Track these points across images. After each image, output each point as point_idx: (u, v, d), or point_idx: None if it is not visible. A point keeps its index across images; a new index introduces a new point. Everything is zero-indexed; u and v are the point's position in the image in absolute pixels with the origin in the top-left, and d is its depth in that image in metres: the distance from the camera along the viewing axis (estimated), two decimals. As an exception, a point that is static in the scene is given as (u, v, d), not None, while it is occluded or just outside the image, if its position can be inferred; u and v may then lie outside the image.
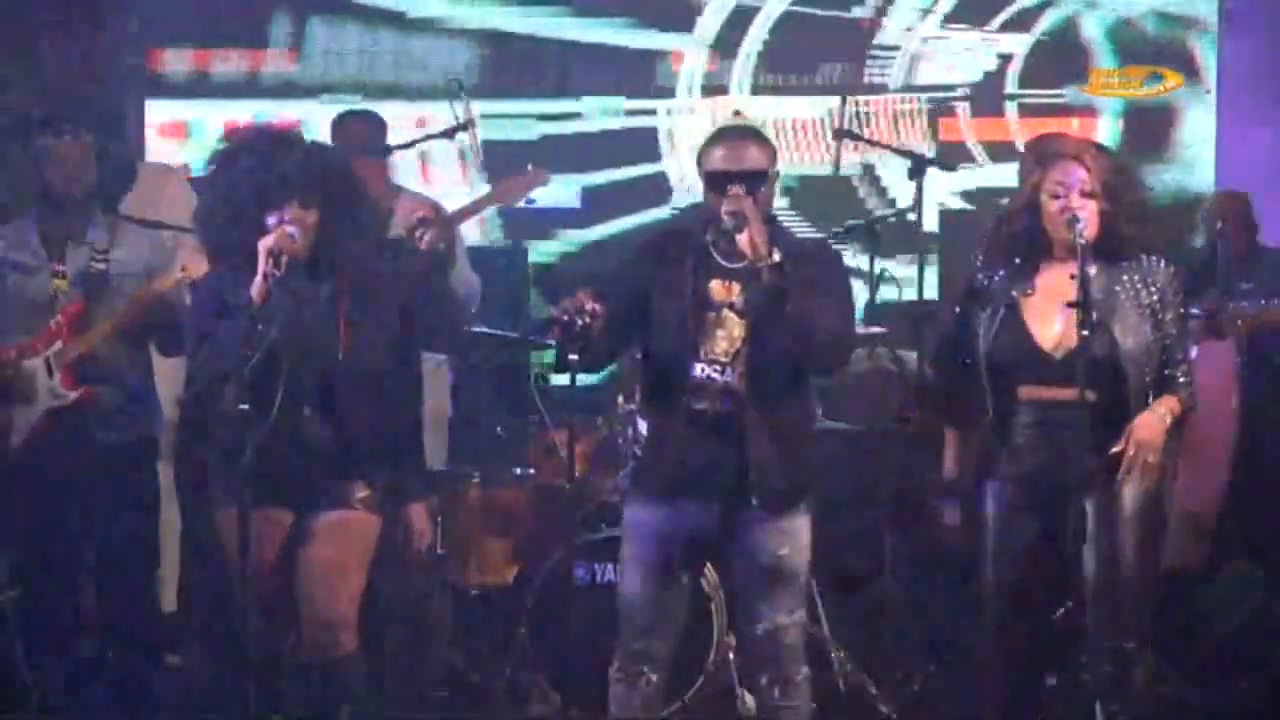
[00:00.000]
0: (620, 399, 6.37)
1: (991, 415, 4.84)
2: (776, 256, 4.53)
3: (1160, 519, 4.88)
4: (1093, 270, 4.73)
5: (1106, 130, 7.95)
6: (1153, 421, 4.71)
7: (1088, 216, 4.73)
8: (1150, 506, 4.79)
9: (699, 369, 4.70)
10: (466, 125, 6.54)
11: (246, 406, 4.64)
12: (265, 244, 4.73)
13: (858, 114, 7.79)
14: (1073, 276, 4.67)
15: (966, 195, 7.86)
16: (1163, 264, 4.83)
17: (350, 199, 4.97)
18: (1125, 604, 4.77)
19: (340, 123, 6.91)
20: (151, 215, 6.10)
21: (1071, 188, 4.76)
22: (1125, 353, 4.71)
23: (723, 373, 4.70)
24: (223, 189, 4.91)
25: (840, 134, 6.73)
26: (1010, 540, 4.83)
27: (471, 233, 7.25)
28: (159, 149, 8.14)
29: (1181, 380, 4.79)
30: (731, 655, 5.89)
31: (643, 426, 4.83)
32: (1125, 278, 4.78)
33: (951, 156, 7.43)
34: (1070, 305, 4.64)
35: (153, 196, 6.55)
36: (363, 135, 6.69)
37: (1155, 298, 4.78)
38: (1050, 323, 4.76)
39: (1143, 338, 4.74)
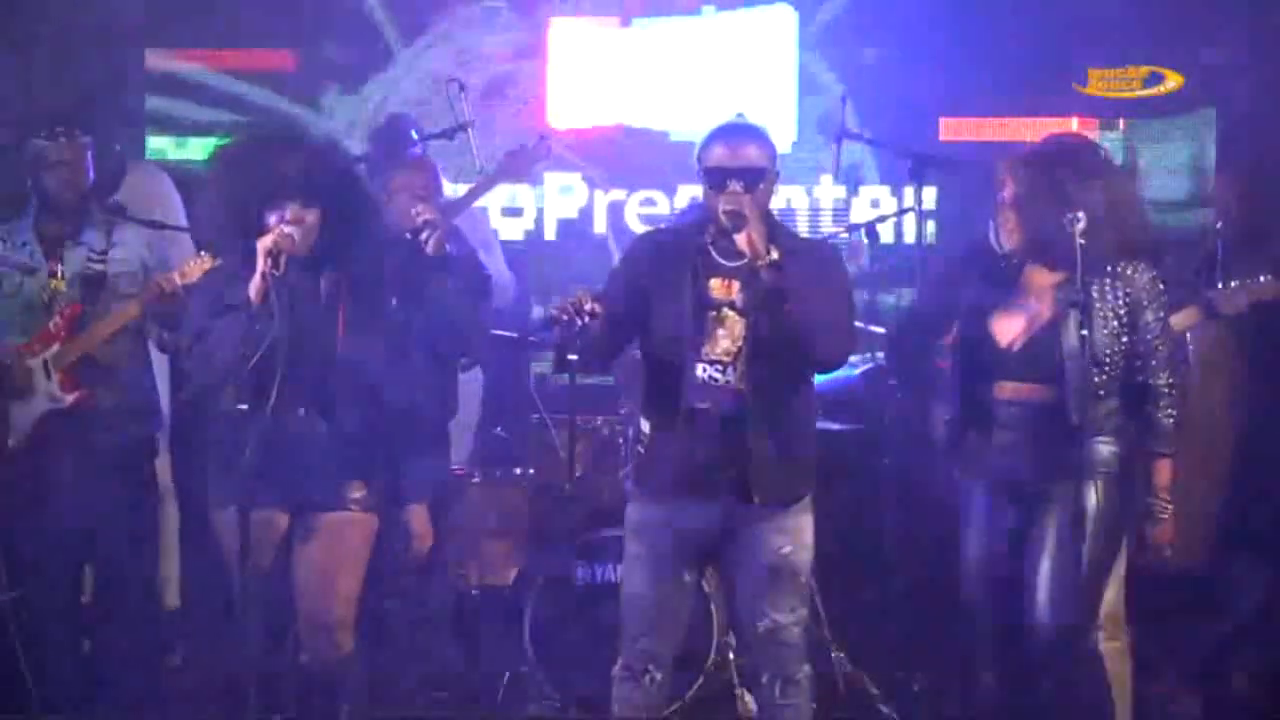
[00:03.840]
0: (620, 398, 6.37)
1: (964, 413, 5.03)
2: (775, 255, 4.53)
3: (1124, 517, 4.96)
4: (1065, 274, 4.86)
5: (1106, 131, 7.95)
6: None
7: (1087, 217, 4.81)
8: (1112, 506, 4.91)
9: (700, 369, 4.70)
10: (466, 125, 6.54)
11: (245, 406, 4.65)
12: (264, 244, 4.73)
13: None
14: (1071, 277, 4.79)
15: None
16: (1141, 268, 4.96)
17: (351, 199, 4.97)
18: (1083, 596, 4.91)
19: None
20: (139, 214, 6.07)
21: (1001, 201, 5.04)
22: (1067, 351, 4.86)
23: (724, 372, 4.70)
24: (224, 187, 4.91)
25: (841, 134, 6.71)
26: (985, 535, 5.03)
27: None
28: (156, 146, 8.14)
29: (1166, 392, 4.94)
30: (731, 655, 5.89)
31: (644, 425, 4.83)
32: (1104, 281, 4.93)
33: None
34: (1070, 305, 4.77)
35: (140, 195, 6.52)
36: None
37: (1126, 302, 4.92)
38: (1012, 321, 4.94)
39: (1109, 337, 4.89)
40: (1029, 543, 4.92)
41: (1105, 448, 4.92)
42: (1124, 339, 4.92)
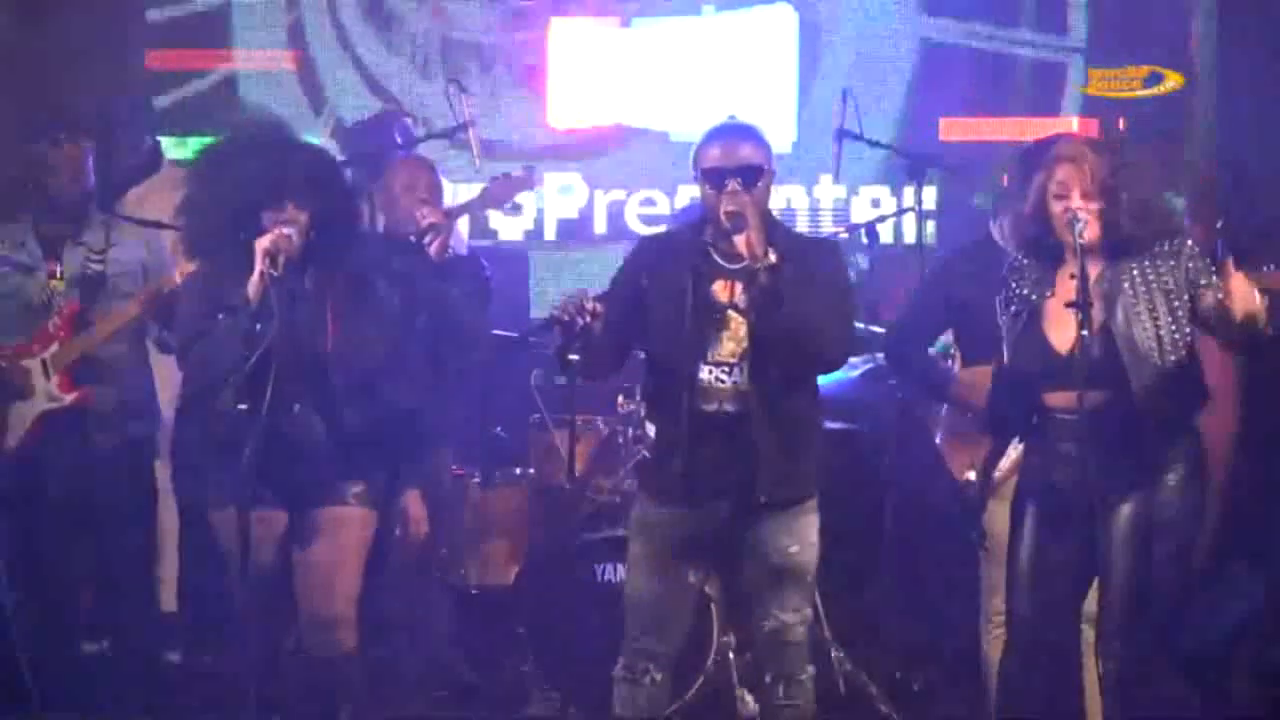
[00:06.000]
0: (620, 399, 6.37)
1: (1021, 422, 4.84)
2: (773, 257, 4.52)
3: (1197, 526, 4.86)
4: (1096, 269, 4.74)
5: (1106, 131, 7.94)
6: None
7: (1088, 216, 4.74)
8: (1188, 515, 4.78)
9: (706, 371, 4.69)
10: (466, 125, 6.53)
11: (244, 406, 4.65)
12: (262, 244, 4.72)
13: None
14: (1072, 276, 4.67)
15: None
16: (1188, 241, 4.78)
17: (337, 199, 4.98)
18: (1151, 609, 4.77)
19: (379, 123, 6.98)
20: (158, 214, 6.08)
21: (1071, 189, 4.76)
22: (1126, 347, 4.67)
23: (730, 374, 4.69)
24: (219, 188, 4.90)
25: (841, 134, 6.70)
26: (1050, 547, 4.80)
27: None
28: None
29: None
30: (731, 655, 5.89)
31: (649, 428, 4.82)
32: (1135, 271, 4.75)
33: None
34: (1069, 305, 4.64)
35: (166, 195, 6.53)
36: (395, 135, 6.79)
37: (1178, 276, 4.71)
38: (1066, 327, 4.73)
39: (1152, 331, 4.69)
40: (1096, 558, 4.69)
41: (1168, 450, 4.75)
42: (1185, 324, 4.70)
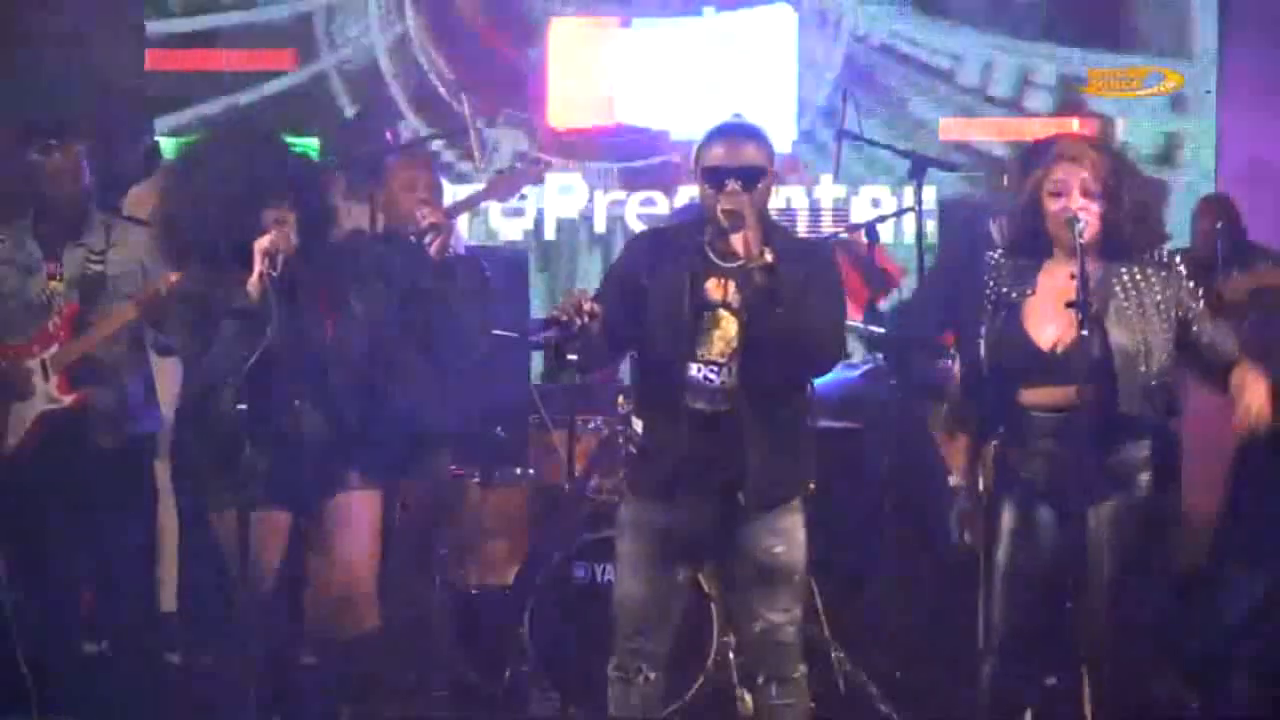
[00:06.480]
0: (620, 399, 6.37)
1: (998, 419, 4.83)
2: (769, 257, 4.51)
3: (1172, 522, 4.87)
4: (1091, 269, 4.74)
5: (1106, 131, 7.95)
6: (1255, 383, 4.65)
7: (1088, 217, 4.73)
8: (1164, 514, 4.79)
9: (695, 369, 4.68)
10: (468, 127, 6.54)
11: (244, 407, 4.66)
12: (261, 244, 4.73)
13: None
14: (1072, 276, 4.66)
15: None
16: (1176, 257, 4.81)
17: (321, 200, 5.01)
18: (1133, 606, 4.77)
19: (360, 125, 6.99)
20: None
21: (1071, 187, 4.75)
22: (1117, 349, 4.68)
23: (719, 373, 4.68)
24: (216, 187, 4.90)
25: (841, 134, 6.70)
26: (1025, 546, 4.80)
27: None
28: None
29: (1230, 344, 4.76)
30: (731, 655, 5.89)
31: (636, 424, 4.82)
32: (1125, 275, 4.76)
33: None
34: (1069, 305, 4.63)
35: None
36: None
37: (1168, 293, 4.74)
38: (1048, 323, 4.74)
39: (1140, 336, 4.71)
40: (1076, 556, 4.71)
41: (1143, 451, 4.77)
42: (1169, 343, 4.72)
